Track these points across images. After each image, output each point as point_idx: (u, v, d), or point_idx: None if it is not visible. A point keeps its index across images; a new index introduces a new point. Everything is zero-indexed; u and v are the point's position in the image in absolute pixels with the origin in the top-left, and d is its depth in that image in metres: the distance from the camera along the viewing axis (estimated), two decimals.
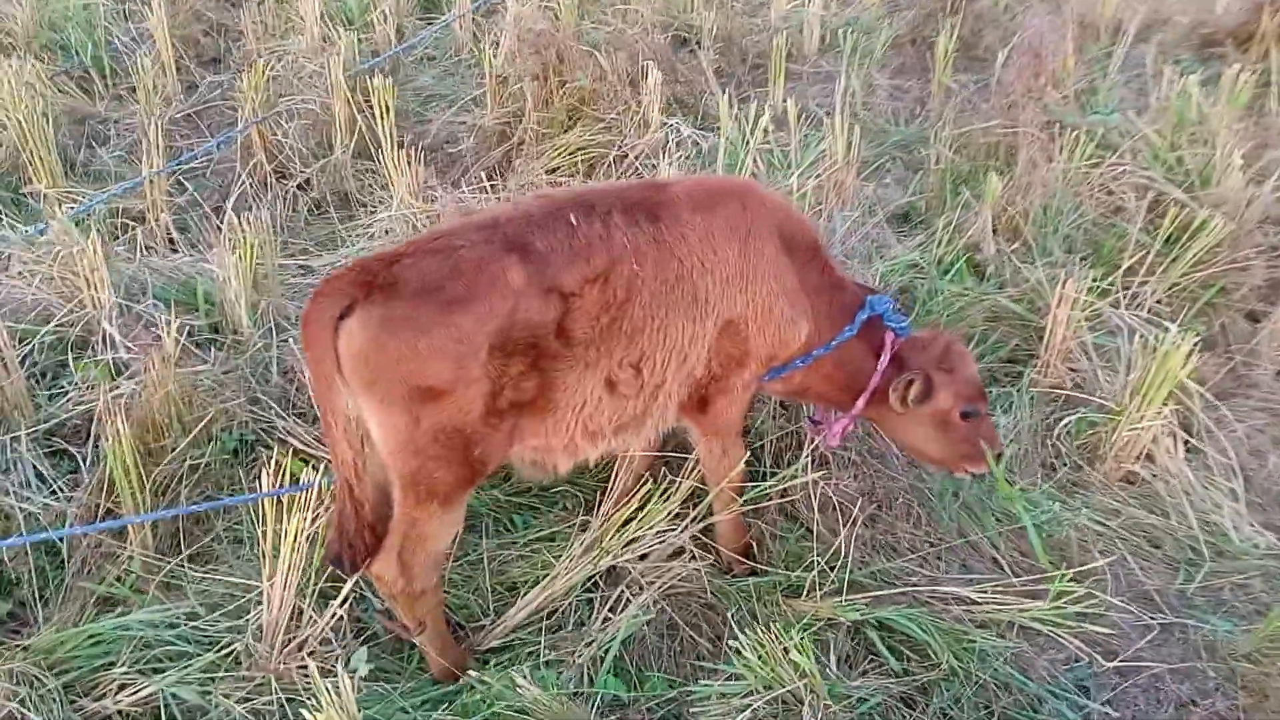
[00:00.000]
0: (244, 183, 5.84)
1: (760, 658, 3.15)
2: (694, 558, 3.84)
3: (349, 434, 3.06)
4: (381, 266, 2.96)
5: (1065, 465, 4.41)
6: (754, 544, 3.97)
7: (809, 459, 3.98)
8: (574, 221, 3.14)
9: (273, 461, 3.45)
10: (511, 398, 3.09)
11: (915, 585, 3.80)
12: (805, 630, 3.55)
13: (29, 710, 3.21)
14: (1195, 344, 4.08)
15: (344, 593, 3.42)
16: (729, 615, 3.61)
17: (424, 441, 3.03)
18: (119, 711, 3.31)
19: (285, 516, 3.30)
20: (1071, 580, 3.66)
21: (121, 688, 3.33)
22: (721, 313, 3.37)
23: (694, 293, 3.30)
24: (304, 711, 2.74)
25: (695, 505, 3.86)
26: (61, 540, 3.72)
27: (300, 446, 4.08)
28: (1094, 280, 4.79)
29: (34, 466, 3.93)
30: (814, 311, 3.58)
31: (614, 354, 3.21)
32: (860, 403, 3.69)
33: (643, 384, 3.31)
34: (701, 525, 3.81)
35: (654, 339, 3.26)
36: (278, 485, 3.44)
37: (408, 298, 2.92)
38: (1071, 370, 4.61)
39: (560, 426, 3.28)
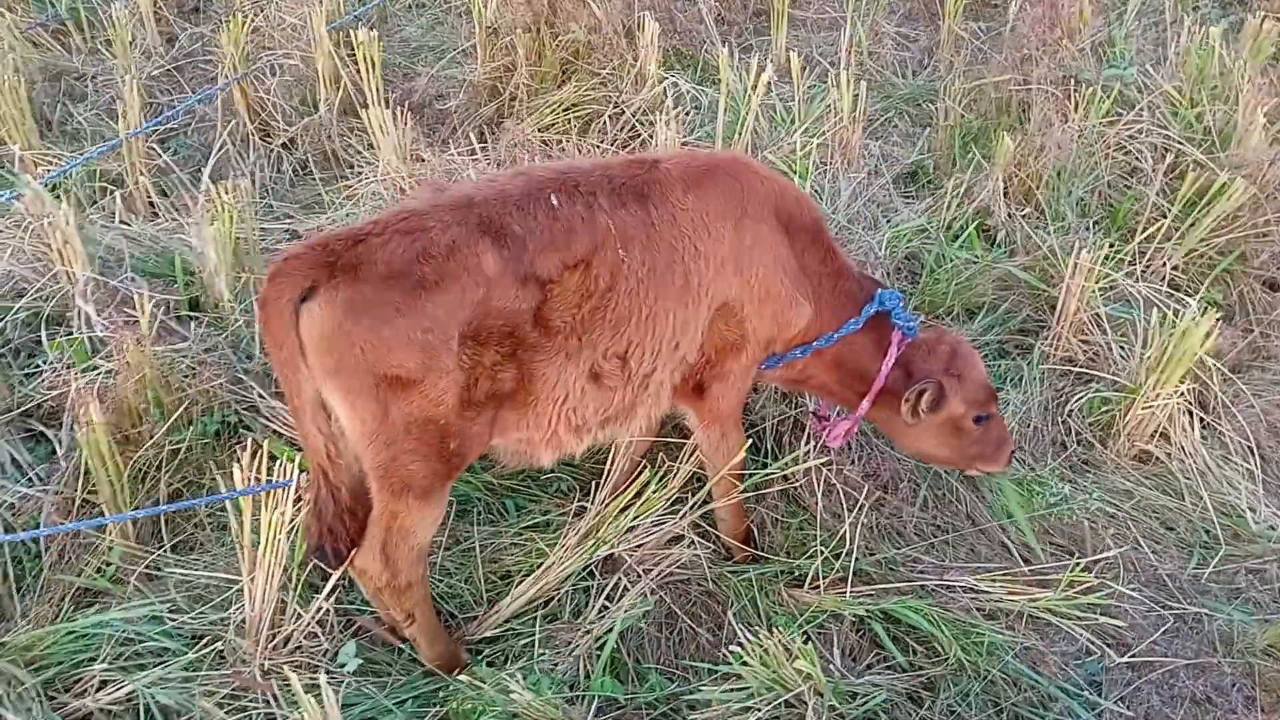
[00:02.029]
0: (225, 145, 5.59)
1: (762, 660, 3.03)
2: (693, 544, 3.71)
3: (318, 419, 2.92)
4: (345, 246, 2.77)
5: (1077, 443, 4.26)
6: (754, 530, 3.85)
7: (812, 444, 3.84)
8: (555, 203, 2.96)
9: (247, 451, 3.30)
10: (488, 389, 2.94)
11: (922, 574, 3.68)
12: (809, 624, 3.45)
13: (7, 709, 3.11)
14: (1217, 320, 3.91)
15: (330, 585, 3.30)
16: (731, 613, 3.49)
17: (395, 433, 2.89)
18: (100, 709, 3.20)
19: (265, 508, 3.17)
20: (1083, 570, 3.55)
21: (102, 685, 3.23)
22: (716, 296, 3.20)
23: (686, 277, 3.12)
24: None
25: (694, 491, 3.73)
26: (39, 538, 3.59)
27: (284, 429, 3.93)
28: (1109, 246, 4.60)
29: (9, 452, 3.79)
30: (816, 296, 3.40)
31: (598, 345, 3.05)
32: (865, 404, 3.54)
33: (630, 375, 3.15)
34: (701, 512, 3.69)
35: (642, 328, 3.09)
36: (256, 471, 3.29)
37: (373, 281, 2.74)
38: (1084, 343, 4.44)
39: (541, 420, 3.13)
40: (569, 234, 2.94)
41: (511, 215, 2.90)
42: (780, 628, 3.15)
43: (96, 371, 3.88)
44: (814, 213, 3.43)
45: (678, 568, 3.66)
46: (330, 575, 3.27)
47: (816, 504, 3.79)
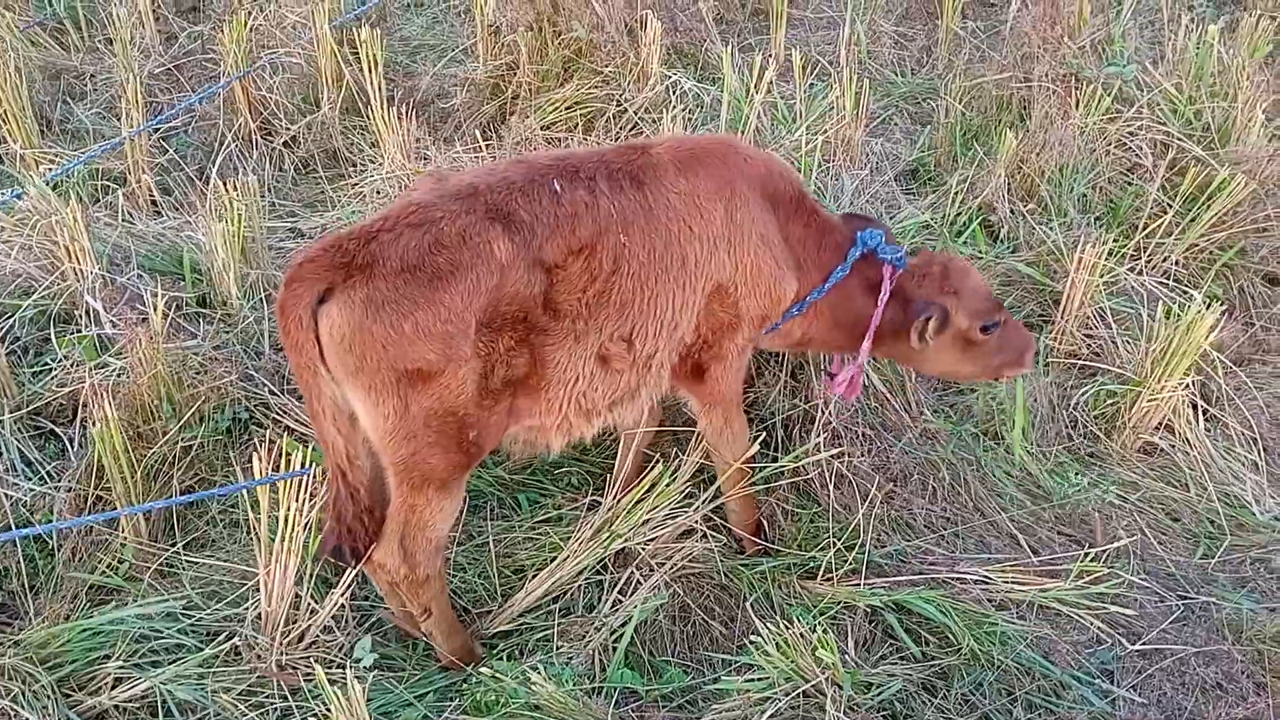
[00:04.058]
0: (229, 144, 5.59)
1: (781, 650, 3.05)
2: (705, 537, 3.73)
3: (337, 420, 2.94)
4: (358, 245, 2.80)
5: (1082, 436, 4.30)
6: (765, 522, 3.87)
7: (822, 435, 3.87)
8: (557, 189, 3.00)
9: (265, 444, 3.31)
10: (504, 375, 2.97)
11: (933, 566, 3.70)
12: (822, 615, 3.47)
13: (22, 707, 3.10)
14: (1221, 314, 3.95)
15: (346, 580, 3.31)
16: (747, 605, 3.50)
17: (415, 427, 2.91)
18: (115, 707, 3.21)
19: (281, 502, 3.17)
20: (1092, 560, 3.59)
21: (117, 682, 3.23)
22: (710, 277, 3.25)
23: (682, 258, 3.18)
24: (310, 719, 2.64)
25: (706, 486, 3.76)
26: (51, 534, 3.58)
27: (295, 425, 3.94)
28: (1112, 242, 4.64)
29: (19, 450, 3.78)
30: (802, 263, 3.45)
31: (604, 327, 3.09)
32: (866, 345, 3.53)
33: (635, 356, 3.20)
34: (713, 506, 3.71)
35: (645, 309, 3.14)
36: (272, 467, 3.30)
37: (390, 277, 2.77)
38: (1088, 337, 4.49)
39: (553, 405, 3.16)
40: (574, 219, 2.99)
41: (517, 202, 2.95)
42: (798, 618, 3.17)
43: (108, 369, 3.88)
44: (795, 182, 3.49)
45: (690, 561, 3.68)
46: (345, 570, 3.28)
47: (828, 496, 3.81)
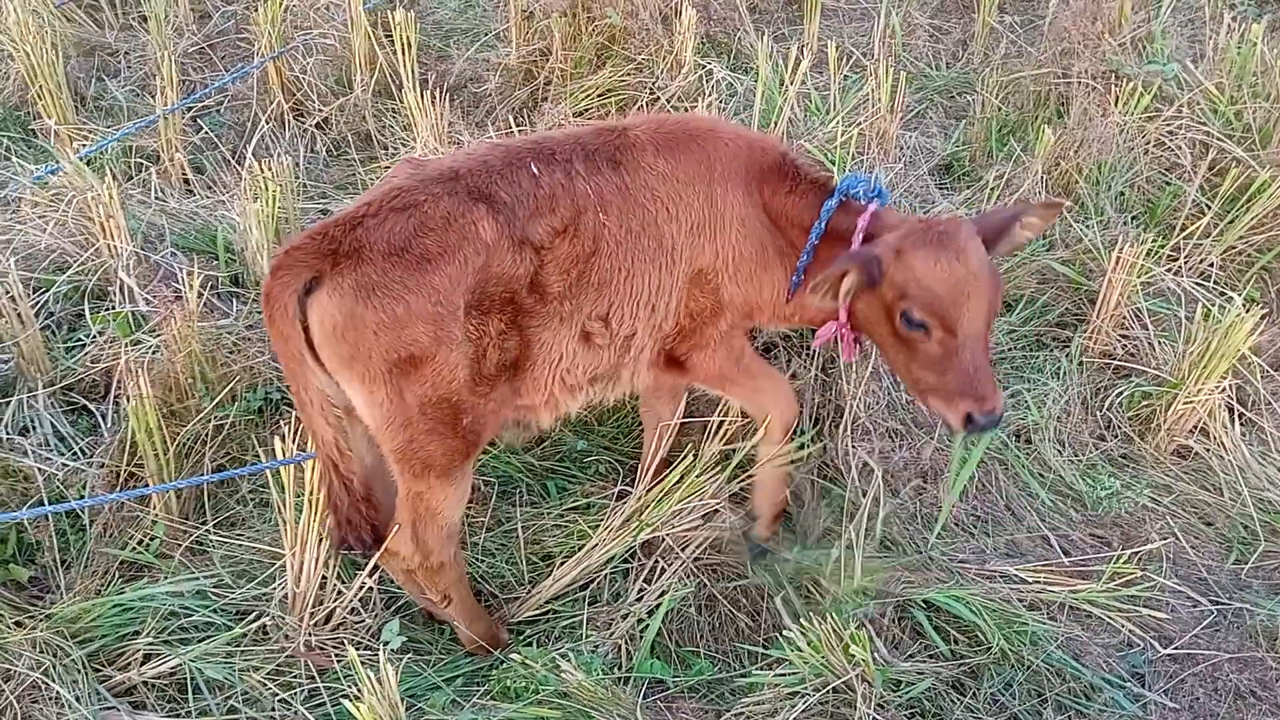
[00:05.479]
0: (261, 124, 5.59)
1: (812, 645, 3.03)
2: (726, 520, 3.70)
3: (325, 411, 2.92)
4: (344, 232, 2.79)
5: (1115, 437, 4.26)
6: (789, 513, 3.83)
7: (852, 430, 3.85)
8: (535, 171, 3.00)
9: (291, 423, 3.31)
10: (497, 360, 2.97)
11: (963, 563, 3.68)
12: (852, 610, 3.45)
13: (53, 680, 3.13)
14: (1263, 317, 3.90)
15: (372, 563, 3.31)
16: (777, 600, 3.47)
17: (410, 414, 2.91)
18: (144, 682, 3.22)
19: (306, 483, 3.17)
20: (1125, 562, 3.55)
21: (147, 659, 3.25)
22: (691, 262, 3.23)
23: (660, 240, 3.16)
24: (344, 701, 2.64)
25: (735, 473, 3.73)
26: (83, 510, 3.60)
27: None
28: (1150, 242, 4.59)
29: (52, 424, 3.80)
30: (789, 236, 3.31)
31: (584, 306, 3.10)
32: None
33: (612, 335, 3.19)
34: (741, 482, 3.67)
35: (622, 290, 3.14)
36: (298, 447, 3.30)
37: (378, 261, 2.76)
38: (1123, 337, 4.43)
39: (539, 383, 3.17)
40: (553, 200, 2.99)
41: (497, 184, 2.95)
42: (831, 614, 3.15)
43: (142, 346, 3.89)
44: (776, 149, 3.36)
45: (717, 552, 3.67)
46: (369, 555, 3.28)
47: (856, 490, 3.78)
